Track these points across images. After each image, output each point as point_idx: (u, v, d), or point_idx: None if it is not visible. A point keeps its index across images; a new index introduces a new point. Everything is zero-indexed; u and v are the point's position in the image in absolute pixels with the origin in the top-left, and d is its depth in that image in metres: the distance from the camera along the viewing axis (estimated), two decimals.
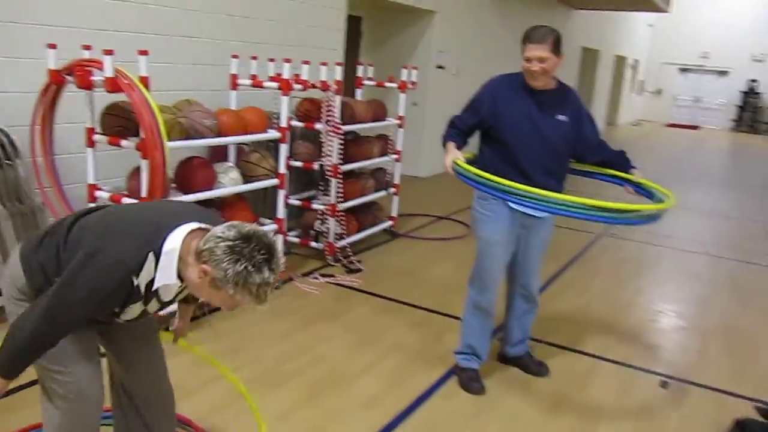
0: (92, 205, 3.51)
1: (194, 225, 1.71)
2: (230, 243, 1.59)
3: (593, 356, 3.69)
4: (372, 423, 2.84)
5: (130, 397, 2.06)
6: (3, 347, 1.69)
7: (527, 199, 2.57)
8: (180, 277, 1.70)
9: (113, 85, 3.02)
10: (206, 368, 2.99)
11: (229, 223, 1.68)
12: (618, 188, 3.14)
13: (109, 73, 3.01)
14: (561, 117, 2.91)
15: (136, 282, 1.65)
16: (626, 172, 3.04)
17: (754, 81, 21.11)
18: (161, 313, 2.04)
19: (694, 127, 21.81)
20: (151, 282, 1.69)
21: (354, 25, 7.93)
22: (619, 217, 2.63)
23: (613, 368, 3.58)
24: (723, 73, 22.03)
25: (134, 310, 1.77)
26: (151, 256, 1.65)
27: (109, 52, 3.01)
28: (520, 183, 2.62)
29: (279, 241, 1.47)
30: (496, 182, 2.60)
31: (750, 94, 21.25)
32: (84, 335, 1.85)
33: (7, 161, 3.46)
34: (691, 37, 21.86)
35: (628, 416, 3.10)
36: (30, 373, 2.18)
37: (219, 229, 1.64)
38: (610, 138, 16.63)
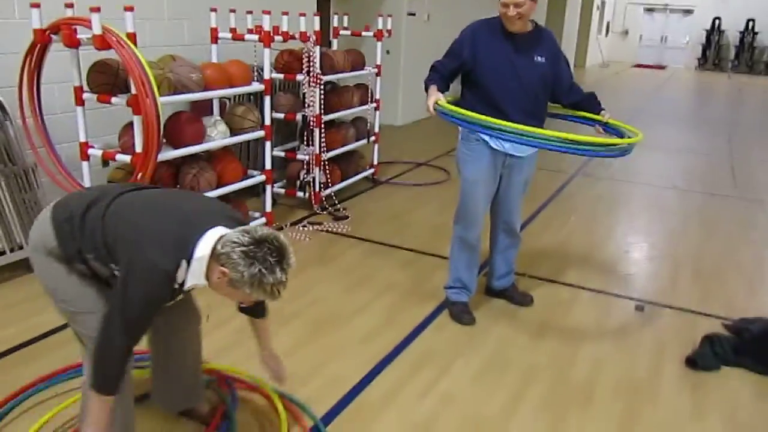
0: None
1: (221, 231, 1.82)
2: (244, 248, 1.73)
3: (573, 286, 3.92)
4: (371, 356, 3.04)
5: (167, 342, 2.26)
6: (99, 375, 1.82)
7: (507, 134, 2.71)
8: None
9: (102, 42, 3.07)
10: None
11: (243, 227, 1.81)
12: (590, 129, 3.29)
13: (97, 30, 3.05)
14: (538, 58, 3.04)
15: (175, 286, 1.81)
16: (596, 113, 3.19)
17: (717, 19, 21.31)
18: None
19: (661, 67, 22.06)
20: (182, 283, 1.83)
21: None
22: (594, 149, 2.79)
23: (592, 296, 3.82)
24: (688, 11, 22.20)
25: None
26: (184, 263, 1.79)
27: (96, 10, 3.04)
28: None
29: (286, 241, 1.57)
30: (477, 119, 2.73)
31: (714, 32, 21.48)
32: None
33: None
34: None
35: (607, 337, 3.35)
36: (51, 322, 2.32)
37: (234, 235, 1.78)
38: (580, 80, 16.72)
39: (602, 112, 3.18)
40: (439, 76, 3.11)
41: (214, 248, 1.78)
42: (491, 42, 3.04)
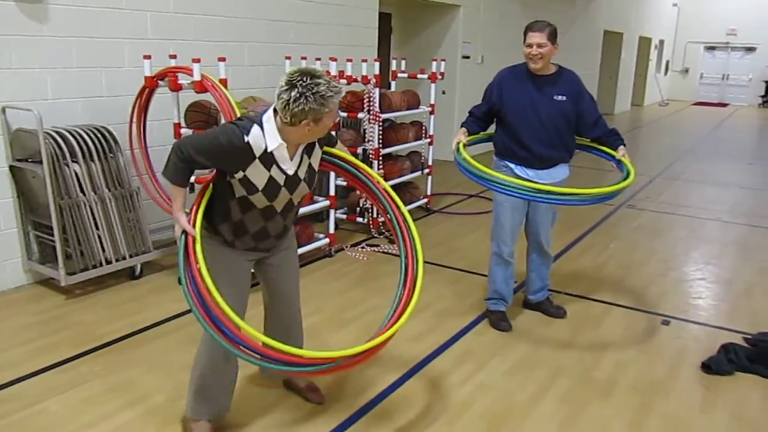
0: None
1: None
2: (283, 88, 2.14)
3: (605, 303, 4.30)
4: (419, 352, 3.52)
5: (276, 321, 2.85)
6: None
7: (496, 185, 3.19)
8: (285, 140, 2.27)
9: (201, 87, 3.73)
10: None
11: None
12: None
13: (197, 77, 3.72)
14: (559, 97, 3.49)
15: (246, 139, 2.22)
16: (614, 148, 3.54)
17: None
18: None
19: (723, 105, 21.91)
20: (267, 149, 2.25)
21: (384, 21, 8.56)
22: (563, 198, 3.20)
23: (622, 311, 4.18)
24: (750, 49, 22.05)
25: (274, 189, 2.33)
26: (255, 127, 2.23)
27: (197, 60, 3.72)
28: (522, 154, 3.46)
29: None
30: (474, 168, 3.23)
31: None
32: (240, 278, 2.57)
33: (110, 154, 4.21)
34: (717, 15, 21.91)
35: (632, 345, 3.72)
36: (150, 318, 2.86)
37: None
38: (638, 118, 17.03)
39: (620, 147, 3.53)
40: (474, 119, 3.71)
41: (273, 109, 2.22)
42: (515, 84, 3.57)
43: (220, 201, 2.42)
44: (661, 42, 21.27)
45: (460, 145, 3.47)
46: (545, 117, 3.50)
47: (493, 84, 3.66)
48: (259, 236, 2.50)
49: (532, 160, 3.55)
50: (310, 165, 2.46)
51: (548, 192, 3.14)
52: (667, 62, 22.66)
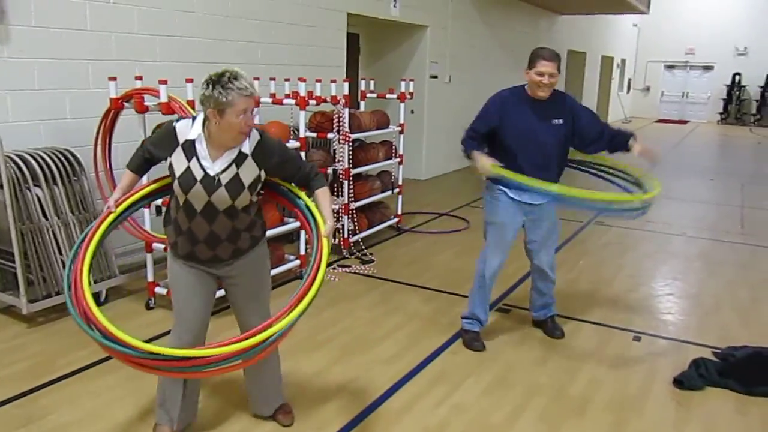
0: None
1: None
2: (203, 87, 2.30)
3: (577, 320, 4.31)
4: (393, 374, 3.47)
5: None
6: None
7: (563, 197, 3.33)
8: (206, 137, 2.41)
9: (167, 108, 3.67)
10: None
11: None
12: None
13: (164, 98, 3.66)
14: (556, 121, 3.52)
15: (174, 124, 2.46)
16: (626, 149, 3.57)
17: (738, 74, 21.78)
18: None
19: (683, 122, 22.49)
20: (190, 140, 2.41)
21: (352, 41, 8.59)
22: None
23: (594, 328, 4.20)
24: (708, 67, 22.72)
25: (188, 180, 2.40)
26: (188, 121, 2.48)
27: (163, 82, 3.66)
28: None
29: None
30: (533, 184, 3.31)
31: (735, 87, 21.91)
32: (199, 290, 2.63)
33: (74, 177, 4.11)
34: (675, 35, 22.57)
35: (604, 362, 3.73)
36: None
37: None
38: None
39: (633, 144, 3.54)
40: (477, 142, 3.58)
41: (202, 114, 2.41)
42: (516, 109, 3.55)
43: (170, 205, 2.59)
44: (623, 61, 21.80)
45: (494, 167, 3.40)
46: (543, 142, 3.52)
47: (494, 106, 3.61)
48: (189, 239, 2.52)
49: None
50: (237, 176, 2.44)
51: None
52: (629, 81, 23.21)
